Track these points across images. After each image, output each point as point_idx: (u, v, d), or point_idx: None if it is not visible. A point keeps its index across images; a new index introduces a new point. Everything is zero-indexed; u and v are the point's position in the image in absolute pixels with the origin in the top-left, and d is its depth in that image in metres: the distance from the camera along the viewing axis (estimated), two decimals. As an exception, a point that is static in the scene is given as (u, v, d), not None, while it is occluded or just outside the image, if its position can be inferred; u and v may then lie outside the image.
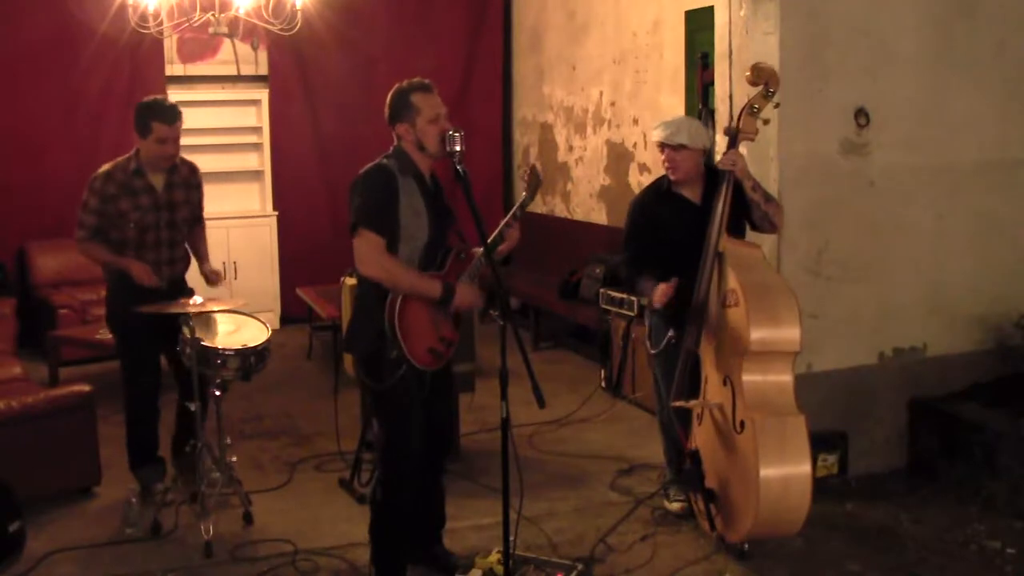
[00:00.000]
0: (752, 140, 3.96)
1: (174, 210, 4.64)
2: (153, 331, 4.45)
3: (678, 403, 4.02)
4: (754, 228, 4.12)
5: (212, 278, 4.70)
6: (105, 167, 4.57)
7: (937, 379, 4.87)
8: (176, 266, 4.71)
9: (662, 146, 4.10)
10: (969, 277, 4.92)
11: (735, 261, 3.82)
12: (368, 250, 3.52)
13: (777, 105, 3.94)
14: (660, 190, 4.24)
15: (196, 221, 4.83)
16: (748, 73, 3.90)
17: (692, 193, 4.14)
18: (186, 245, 4.79)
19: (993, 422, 4.52)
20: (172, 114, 4.48)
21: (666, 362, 4.22)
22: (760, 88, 3.87)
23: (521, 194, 3.83)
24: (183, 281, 4.77)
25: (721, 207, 3.85)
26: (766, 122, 3.92)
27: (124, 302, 4.45)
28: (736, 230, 4.04)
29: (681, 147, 4.04)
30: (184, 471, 4.60)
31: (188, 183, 4.70)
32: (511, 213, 3.74)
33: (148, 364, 4.67)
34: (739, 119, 3.92)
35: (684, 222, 4.06)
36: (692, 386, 4.04)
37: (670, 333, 4.15)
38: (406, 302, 3.52)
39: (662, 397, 4.32)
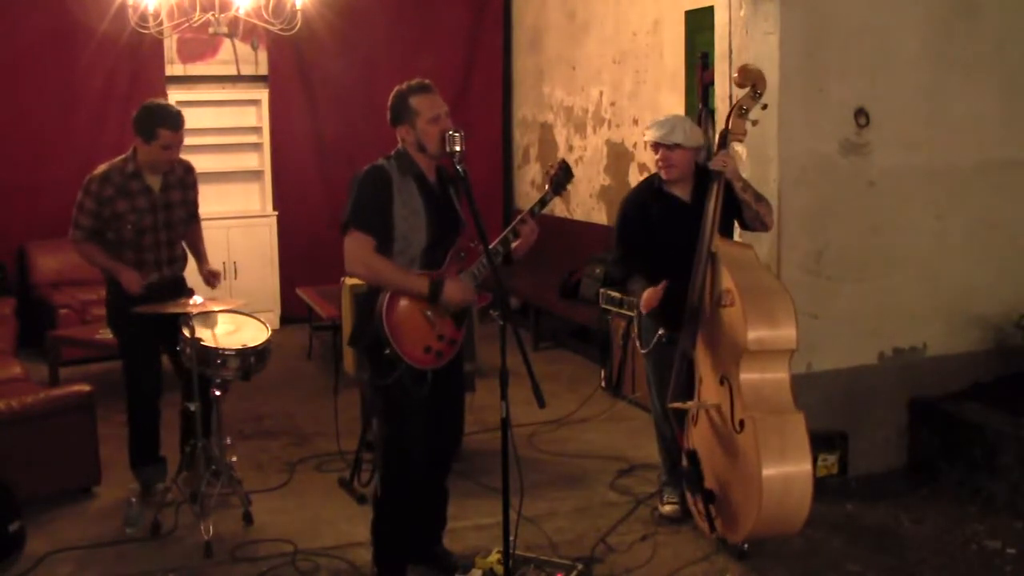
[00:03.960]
0: (741, 141, 3.98)
1: (171, 210, 4.64)
2: (154, 331, 4.45)
3: (675, 404, 4.02)
4: (744, 228, 4.14)
5: (211, 280, 4.71)
6: (101, 168, 4.56)
7: (937, 379, 4.87)
8: (175, 266, 4.72)
9: (656, 146, 4.10)
10: (969, 277, 4.92)
11: (729, 261, 3.81)
12: (355, 249, 3.53)
13: (765, 107, 3.95)
14: (651, 188, 4.23)
15: (192, 220, 4.83)
16: (735, 75, 3.93)
17: (683, 192, 4.15)
18: (184, 244, 4.80)
19: (993, 422, 4.52)
20: (177, 120, 4.49)
21: (657, 362, 4.22)
22: (747, 90, 3.89)
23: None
24: (182, 280, 4.78)
25: (713, 207, 3.85)
26: (755, 123, 3.93)
27: (124, 302, 4.45)
28: (725, 230, 4.05)
29: (676, 146, 4.04)
30: (189, 470, 4.60)
31: (184, 183, 4.71)
32: (528, 209, 3.68)
33: (149, 364, 4.67)
34: (728, 120, 3.93)
35: (675, 221, 4.07)
36: (687, 387, 4.04)
37: (660, 332, 4.16)
38: (395, 300, 3.51)
39: (654, 397, 4.33)
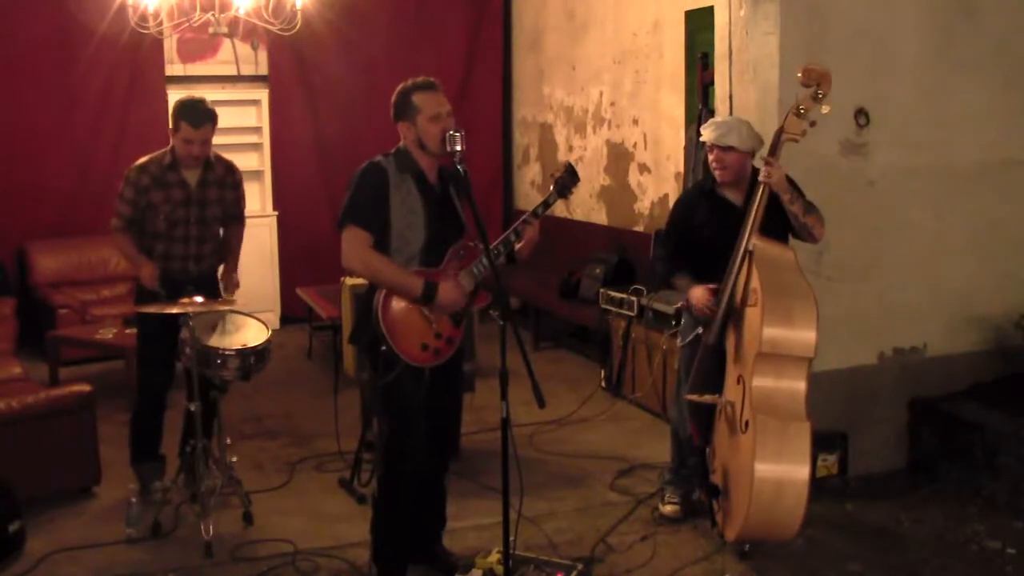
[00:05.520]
0: (797, 142, 3.84)
1: (205, 207, 4.65)
2: (167, 329, 4.45)
3: (690, 396, 4.02)
4: (795, 237, 4.06)
5: (229, 286, 4.73)
6: (142, 159, 4.61)
7: (937, 379, 4.87)
8: (204, 263, 4.72)
9: (712, 146, 4.07)
10: (969, 277, 4.92)
11: (762, 261, 3.78)
12: (351, 245, 3.54)
13: (827, 109, 3.80)
14: (704, 189, 4.22)
15: (232, 220, 4.85)
16: (800, 74, 3.81)
17: (735, 195, 4.10)
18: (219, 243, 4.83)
19: (993, 422, 4.52)
20: (199, 117, 4.48)
21: (690, 358, 4.21)
22: (811, 89, 3.78)
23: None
24: (213, 278, 4.78)
25: (754, 209, 3.81)
26: (813, 124, 3.81)
27: (148, 298, 4.47)
28: (779, 237, 3.95)
29: (730, 149, 4.01)
30: (188, 470, 4.61)
31: (222, 182, 4.71)
32: (531, 211, 3.67)
33: (160, 361, 4.67)
34: (784, 119, 3.83)
35: (723, 223, 4.02)
36: (718, 383, 4.02)
37: (699, 329, 4.16)
38: (390, 298, 3.52)
39: (680, 393, 4.33)
